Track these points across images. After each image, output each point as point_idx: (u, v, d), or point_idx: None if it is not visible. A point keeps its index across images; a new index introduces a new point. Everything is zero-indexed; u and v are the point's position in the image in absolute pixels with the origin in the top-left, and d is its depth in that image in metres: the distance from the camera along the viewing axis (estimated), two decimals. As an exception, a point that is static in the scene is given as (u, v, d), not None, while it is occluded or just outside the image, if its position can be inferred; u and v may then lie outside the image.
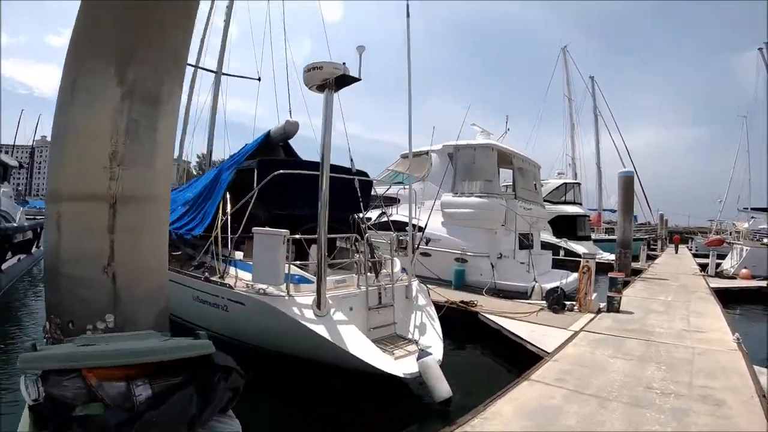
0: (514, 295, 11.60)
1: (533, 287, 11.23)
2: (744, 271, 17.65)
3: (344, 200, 7.83)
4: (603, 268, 21.22)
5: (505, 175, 16.69)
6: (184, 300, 7.17)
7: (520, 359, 7.05)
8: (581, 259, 10.18)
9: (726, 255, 22.28)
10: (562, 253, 25.40)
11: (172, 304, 4.88)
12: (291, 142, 10.49)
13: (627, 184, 16.98)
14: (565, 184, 27.73)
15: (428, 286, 10.12)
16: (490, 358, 8.27)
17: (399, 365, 5.59)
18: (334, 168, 6.89)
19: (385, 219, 15.15)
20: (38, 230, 15.67)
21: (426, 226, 12.09)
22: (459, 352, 8.39)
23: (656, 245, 34.60)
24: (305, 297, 5.96)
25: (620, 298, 9.87)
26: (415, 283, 7.86)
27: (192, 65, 17.11)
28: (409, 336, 6.83)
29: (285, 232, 5.96)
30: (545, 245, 26.37)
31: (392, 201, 15.29)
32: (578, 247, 25.31)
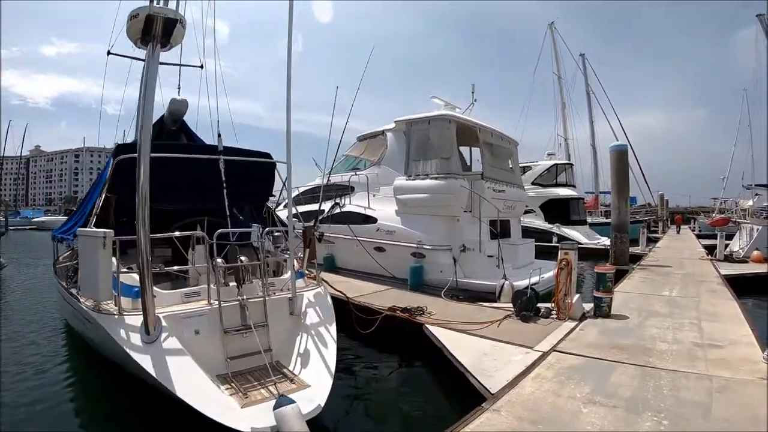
0: (481, 296, 9.28)
1: (502, 286, 8.85)
2: (756, 253, 15.18)
3: (234, 188, 6.42)
4: (600, 255, 19.00)
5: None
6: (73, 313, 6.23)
7: (465, 393, 5.03)
8: (560, 249, 7.76)
9: (733, 235, 19.84)
10: (555, 239, 23.06)
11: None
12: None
13: (620, 158, 14.52)
14: (556, 165, 25.36)
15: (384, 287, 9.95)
16: (424, 394, 6.08)
17: (245, 416, 3.94)
18: (217, 151, 6.37)
19: (338, 211, 13.05)
20: None
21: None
22: (387, 380, 6.57)
23: (657, 227, 32.07)
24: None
25: (611, 299, 7.53)
26: (307, 294, 5.91)
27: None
28: (290, 367, 5.02)
29: (108, 232, 4.83)
30: (533, 232, 24.06)
31: (346, 190, 13.09)
32: (572, 233, 23.09)
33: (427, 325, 7.08)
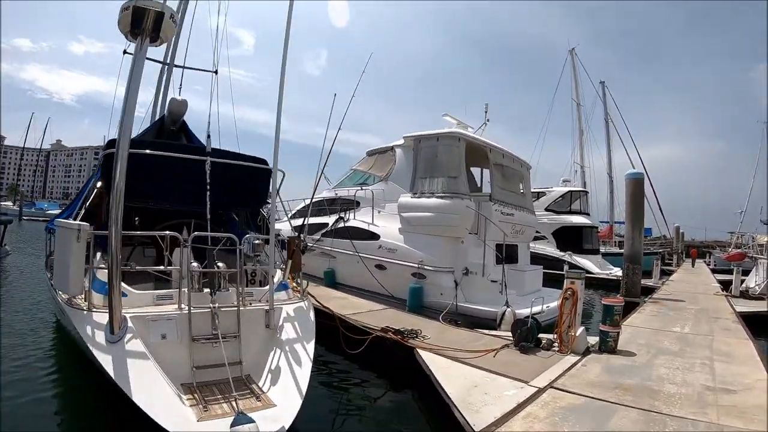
0: (481, 323, 8.85)
1: (503, 313, 8.42)
2: (774, 290, 14.52)
3: (224, 191, 6.29)
4: (611, 285, 18.37)
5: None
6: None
7: (450, 426, 4.64)
8: (565, 278, 7.33)
9: (749, 271, 19.10)
10: (566, 268, 22.46)
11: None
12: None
13: (636, 187, 14.05)
14: (571, 192, 24.84)
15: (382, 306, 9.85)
16: (407, 423, 5.74)
17: (199, 430, 3.68)
18: (205, 152, 6.22)
19: (342, 225, 12.75)
20: (5, 227, 17.34)
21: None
22: (371, 404, 6.16)
23: (671, 260, 31.18)
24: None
25: (617, 334, 7.07)
26: (287, 308, 5.56)
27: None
28: (260, 383, 4.65)
29: (83, 225, 4.77)
30: (544, 259, 23.52)
31: (351, 204, 12.81)
32: (584, 262, 22.47)
33: (418, 350, 6.71)
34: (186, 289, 4.89)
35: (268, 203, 7.78)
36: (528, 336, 6.96)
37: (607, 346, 6.93)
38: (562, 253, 23.16)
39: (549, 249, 23.81)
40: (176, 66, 16.90)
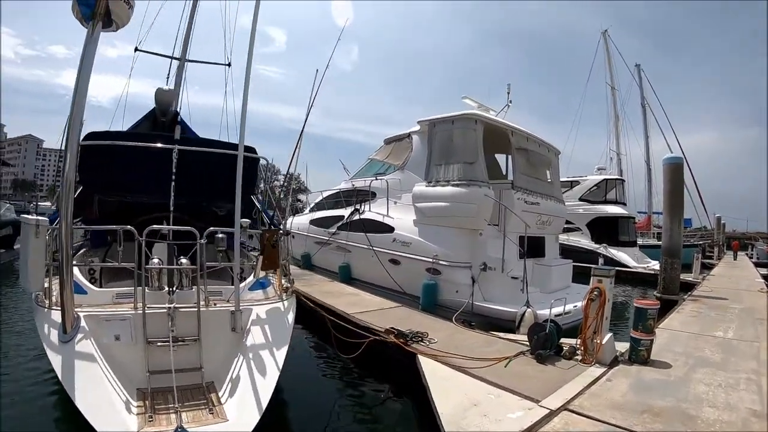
0: (499, 324, 8.10)
1: (523, 314, 7.61)
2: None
3: (204, 183, 6.14)
4: (649, 280, 17.12)
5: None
6: None
7: None
8: (591, 276, 6.46)
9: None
10: (600, 261, 21.20)
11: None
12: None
13: (675, 172, 12.79)
14: (606, 180, 23.45)
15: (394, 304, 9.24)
16: None
17: None
18: (189, 140, 6.21)
19: (357, 217, 12.12)
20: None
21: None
22: (360, 416, 5.61)
23: (712, 252, 29.24)
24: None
25: (650, 342, 6.18)
26: (259, 309, 5.11)
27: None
28: (220, 393, 4.24)
29: (42, 220, 4.67)
30: (577, 252, 22.26)
31: (367, 196, 12.16)
32: (620, 254, 21.26)
33: (420, 356, 6.04)
34: (150, 289, 4.68)
35: (255, 193, 7.33)
36: (546, 343, 6.17)
37: (639, 356, 6.07)
38: (596, 246, 21.97)
39: (583, 241, 22.64)
40: (189, 60, 16.81)
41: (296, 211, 19.10)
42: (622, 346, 6.42)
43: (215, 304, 4.93)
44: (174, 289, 4.77)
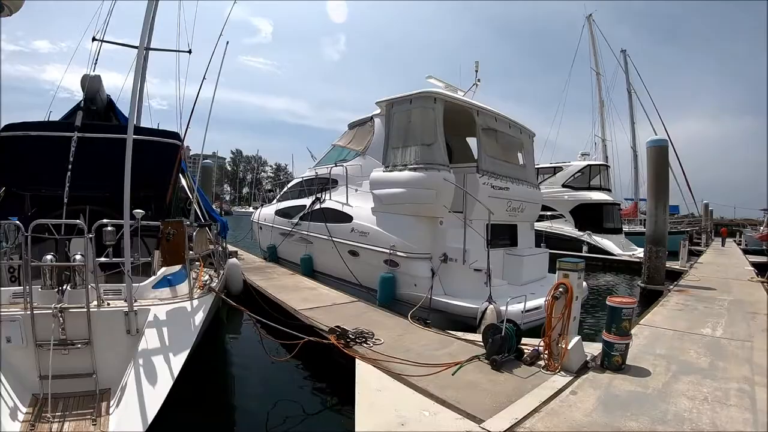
0: (460, 321, 7.12)
1: (484, 311, 6.59)
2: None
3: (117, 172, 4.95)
4: (635, 269, 16.17)
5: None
6: None
7: None
8: (557, 270, 5.43)
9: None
10: (584, 249, 20.30)
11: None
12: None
13: (659, 156, 11.82)
14: (590, 166, 22.46)
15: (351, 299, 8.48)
16: None
17: None
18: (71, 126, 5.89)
19: (317, 207, 11.08)
20: None
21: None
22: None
23: (700, 239, 28.39)
24: None
25: (626, 346, 5.17)
26: (158, 309, 4.43)
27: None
28: (112, 401, 3.86)
29: None
30: (561, 240, 21.32)
31: (328, 184, 11.11)
32: (605, 242, 20.36)
33: (358, 360, 5.11)
34: (39, 287, 4.20)
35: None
36: (502, 347, 5.15)
37: (612, 362, 5.07)
38: (580, 233, 21.05)
39: (566, 228, 21.70)
40: (147, 48, 15.91)
41: (269, 201, 18.08)
42: (596, 348, 5.46)
43: (108, 304, 4.31)
44: (65, 288, 4.20)
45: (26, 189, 6.14)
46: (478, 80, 10.70)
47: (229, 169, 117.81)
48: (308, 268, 11.34)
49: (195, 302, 4.79)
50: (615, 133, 32.46)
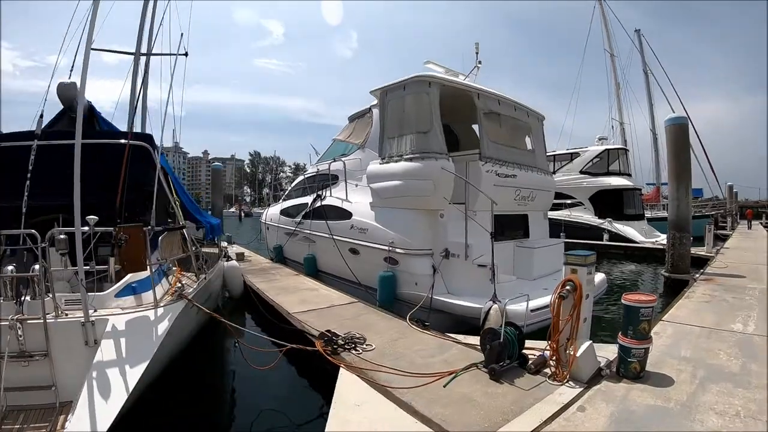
0: (464, 322, 6.51)
1: (488, 311, 5.95)
2: None
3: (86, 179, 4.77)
4: (658, 257, 15.14)
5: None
6: None
7: None
8: (564, 264, 4.76)
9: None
10: (605, 237, 19.35)
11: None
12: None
13: (679, 134, 10.90)
14: (608, 150, 21.40)
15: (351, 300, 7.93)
16: None
17: None
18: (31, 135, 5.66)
19: (318, 204, 10.54)
20: None
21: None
22: None
23: (725, 222, 27.00)
24: None
25: (645, 351, 4.47)
26: (117, 319, 4.16)
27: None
28: (70, 416, 3.51)
29: None
30: (580, 228, 20.37)
31: (330, 180, 10.59)
32: (626, 229, 19.37)
33: (343, 369, 4.62)
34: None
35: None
36: (501, 354, 4.53)
37: (629, 369, 4.40)
38: (600, 221, 20.09)
39: (586, 216, 20.75)
40: (143, 54, 15.78)
41: (277, 201, 17.67)
42: (611, 351, 4.79)
43: (66, 315, 4.07)
44: (23, 299, 4.01)
45: (5, 201, 5.76)
46: (479, 62, 9.96)
47: (248, 171, 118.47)
48: (312, 268, 10.83)
49: (161, 311, 4.46)
50: (633, 117, 31.13)
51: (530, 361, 4.71)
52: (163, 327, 4.28)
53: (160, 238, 5.35)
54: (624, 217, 20.03)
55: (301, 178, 13.36)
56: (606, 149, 21.38)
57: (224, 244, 16.64)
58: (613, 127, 29.52)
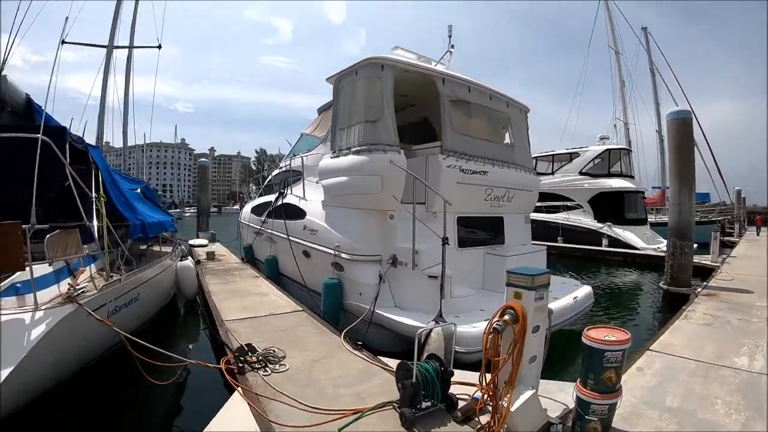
0: (407, 342, 5.23)
1: (428, 333, 4.66)
2: None
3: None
4: (659, 265, 13.47)
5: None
6: None
7: None
8: (507, 282, 3.46)
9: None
10: (605, 242, 17.82)
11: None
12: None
13: (682, 130, 9.45)
14: (609, 150, 19.82)
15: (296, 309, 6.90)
16: None
17: None
18: None
19: (280, 203, 9.35)
20: None
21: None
22: None
23: (732, 229, 25.19)
24: None
25: (609, 408, 3.16)
26: None
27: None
28: None
29: None
30: (578, 233, 18.83)
31: (294, 176, 9.42)
32: (627, 234, 17.84)
33: (237, 393, 3.85)
34: None
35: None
36: (415, 398, 3.27)
37: (586, 429, 3.08)
38: (599, 225, 18.57)
39: (584, 220, 19.25)
40: (116, 47, 15.06)
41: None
42: (565, 390, 3.49)
43: None
44: None
45: None
46: (452, 46, 8.61)
47: (254, 168, 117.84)
48: (273, 271, 9.64)
49: (39, 314, 3.90)
50: (639, 118, 29.32)
51: (458, 406, 3.45)
52: (38, 332, 3.71)
53: (47, 237, 4.55)
54: (625, 221, 18.45)
55: (272, 174, 12.19)
56: (607, 149, 19.75)
57: (206, 241, 15.64)
58: (615, 126, 27.81)
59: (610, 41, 28.25)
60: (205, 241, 14.93)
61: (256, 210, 11.66)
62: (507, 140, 8.31)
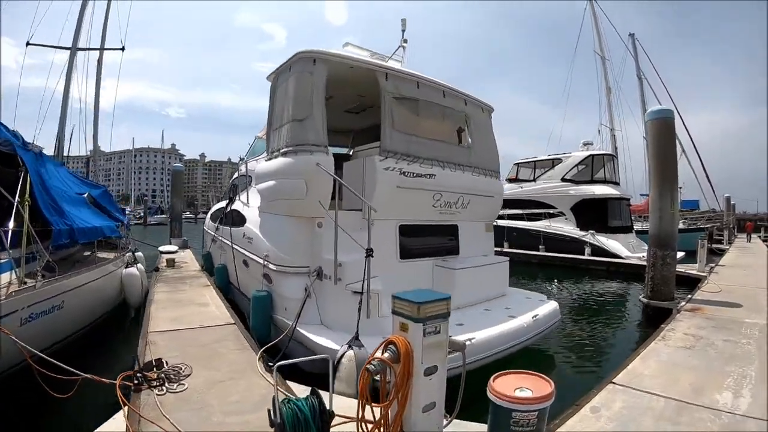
0: (324, 363, 4.24)
1: (340, 358, 3.70)
2: None
3: None
4: (643, 275, 12.47)
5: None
6: None
7: None
8: (392, 314, 2.49)
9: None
10: (587, 251, 16.77)
11: None
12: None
13: (663, 130, 8.48)
14: (593, 156, 18.82)
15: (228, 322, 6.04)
16: None
17: None
18: None
19: (229, 209, 8.45)
20: None
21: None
22: None
23: (722, 236, 24.12)
24: None
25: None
26: None
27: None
28: None
29: None
30: (560, 241, 17.73)
31: (244, 182, 8.57)
32: (610, 243, 16.74)
33: (120, 413, 3.35)
34: None
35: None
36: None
37: None
38: (582, 233, 17.49)
39: (567, 228, 18.21)
40: (79, 49, 14.74)
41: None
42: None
43: None
44: None
45: None
46: (405, 41, 7.73)
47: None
48: (222, 279, 8.74)
49: None
50: (627, 125, 28.53)
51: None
52: None
53: None
54: (609, 229, 17.38)
55: (232, 179, 11.31)
56: (590, 155, 18.72)
57: (176, 248, 14.72)
58: (600, 131, 26.85)
59: (596, 46, 27.38)
60: (175, 248, 13.99)
61: (213, 216, 10.82)
62: (464, 141, 7.34)
